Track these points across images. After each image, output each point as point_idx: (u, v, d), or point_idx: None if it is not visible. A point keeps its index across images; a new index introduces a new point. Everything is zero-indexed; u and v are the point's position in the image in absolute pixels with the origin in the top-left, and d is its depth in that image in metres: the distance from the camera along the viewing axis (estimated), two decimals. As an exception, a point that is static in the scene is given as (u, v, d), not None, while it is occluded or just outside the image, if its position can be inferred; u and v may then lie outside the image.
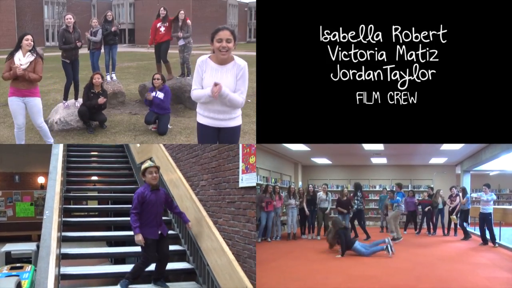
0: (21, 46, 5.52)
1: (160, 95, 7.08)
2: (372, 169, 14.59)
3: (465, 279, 5.52)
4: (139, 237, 4.70)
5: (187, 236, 5.71)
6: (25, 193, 13.89)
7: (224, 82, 3.50)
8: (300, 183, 13.33)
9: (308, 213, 10.09)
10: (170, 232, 6.05)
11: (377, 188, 14.24)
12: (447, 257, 7.33)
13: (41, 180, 13.95)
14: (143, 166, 4.99)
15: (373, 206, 14.23)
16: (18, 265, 7.18)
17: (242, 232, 4.38)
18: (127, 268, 5.01)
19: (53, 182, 6.06)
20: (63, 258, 5.08)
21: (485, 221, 8.59)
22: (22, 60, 5.48)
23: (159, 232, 4.88)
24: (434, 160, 13.04)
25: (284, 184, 11.80)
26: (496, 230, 8.93)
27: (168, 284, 4.99)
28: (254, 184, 4.24)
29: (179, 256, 5.79)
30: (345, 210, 9.79)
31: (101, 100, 6.96)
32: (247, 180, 4.36)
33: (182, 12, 8.38)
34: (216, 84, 3.45)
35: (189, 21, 8.55)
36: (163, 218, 5.24)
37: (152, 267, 4.94)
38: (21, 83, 5.52)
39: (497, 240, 8.68)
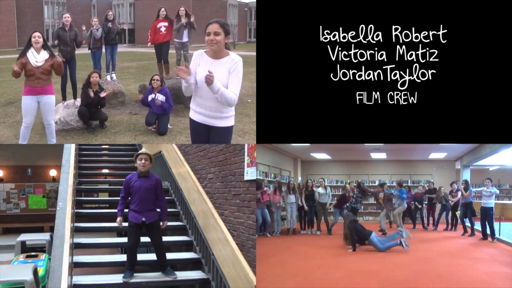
0: (31, 44, 5.46)
1: (160, 97, 7.06)
2: (371, 164, 14.59)
3: (465, 274, 5.54)
4: (117, 219, 4.96)
5: (194, 227, 5.84)
6: (38, 185, 14.10)
7: (216, 76, 3.50)
8: (299, 179, 13.35)
9: (307, 209, 10.12)
10: (177, 223, 6.30)
11: (377, 183, 14.22)
12: (446, 252, 7.36)
13: (53, 173, 14.12)
14: (136, 153, 5.10)
15: (373, 201, 14.22)
16: (33, 253, 7.40)
17: (246, 223, 4.50)
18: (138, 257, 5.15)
19: (65, 175, 6.26)
20: (75, 247, 5.22)
21: (486, 215, 8.62)
22: (37, 57, 5.43)
23: (143, 219, 4.90)
24: (433, 155, 13.05)
25: (284, 179, 11.82)
26: (495, 225, 8.95)
27: (176, 272, 5.10)
28: (255, 178, 4.31)
29: (187, 246, 5.95)
30: (339, 203, 9.90)
31: (103, 93, 6.93)
32: (251, 173, 4.45)
33: (182, 8, 8.35)
34: (210, 72, 3.43)
35: (193, 18, 8.53)
36: (171, 210, 5.46)
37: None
38: (36, 81, 5.45)
39: (497, 235, 8.71)
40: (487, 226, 8.67)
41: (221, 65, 3.58)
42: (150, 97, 7.10)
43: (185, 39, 8.51)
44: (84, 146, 8.83)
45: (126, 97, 8.75)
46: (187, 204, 6.19)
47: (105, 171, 9.53)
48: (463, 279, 5.27)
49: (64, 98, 7.65)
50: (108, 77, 8.73)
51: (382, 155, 13.43)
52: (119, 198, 6.39)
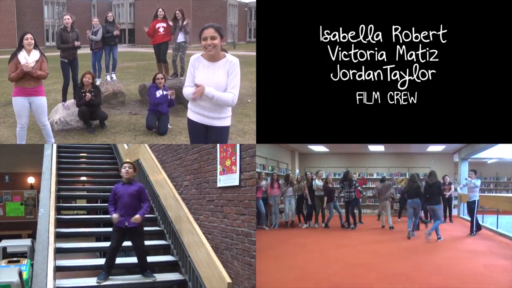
0: (23, 45, 5.43)
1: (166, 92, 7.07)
2: (369, 157, 14.62)
3: (462, 266, 5.61)
4: (114, 216, 5.13)
5: (171, 231, 6.09)
6: (15, 193, 14.09)
7: (215, 79, 3.56)
8: (297, 171, 13.38)
9: (310, 202, 10.15)
10: (155, 228, 6.59)
11: (375, 176, 14.28)
12: (444, 245, 7.42)
13: (30, 180, 14.12)
14: (122, 162, 5.43)
15: (370, 193, 14.26)
16: (14, 259, 7.44)
17: (219, 227, 4.75)
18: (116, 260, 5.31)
19: (47, 182, 6.35)
20: (56, 252, 5.32)
21: (470, 209, 8.56)
22: (28, 58, 5.39)
23: (126, 224, 5.14)
24: (432, 148, 13.10)
25: (281, 172, 11.84)
26: (493, 217, 9.01)
27: (154, 274, 5.36)
28: (235, 184, 4.41)
29: (164, 250, 6.18)
30: (329, 197, 9.90)
31: (87, 96, 6.88)
32: (224, 180, 4.65)
33: (178, 12, 8.30)
34: (197, 86, 3.52)
35: (187, 21, 8.49)
36: (148, 216, 5.84)
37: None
38: (26, 82, 5.41)
39: (494, 228, 8.76)
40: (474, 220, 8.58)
41: (219, 68, 3.63)
42: (158, 93, 7.07)
43: (180, 39, 8.45)
44: (63, 154, 8.95)
45: (126, 97, 8.75)
46: (164, 210, 6.43)
47: (83, 178, 9.65)
48: (461, 271, 5.33)
49: (65, 99, 7.63)
50: (108, 77, 8.71)
51: (380, 148, 13.46)
52: (98, 204, 7.15)
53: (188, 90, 3.68)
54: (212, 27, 3.56)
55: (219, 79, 3.59)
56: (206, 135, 3.80)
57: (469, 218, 10.04)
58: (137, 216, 5.11)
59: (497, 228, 8.87)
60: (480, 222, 9.98)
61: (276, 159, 12.08)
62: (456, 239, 8.23)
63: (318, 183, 10.11)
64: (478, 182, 8.54)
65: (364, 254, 6.53)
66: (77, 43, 7.30)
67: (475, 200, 8.45)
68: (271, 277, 4.97)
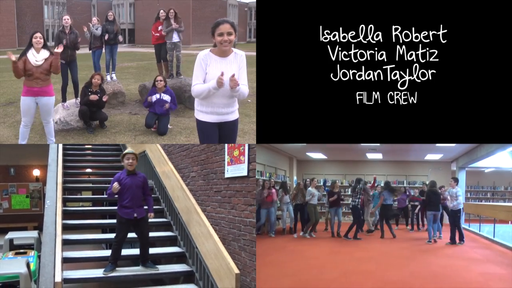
0: (32, 44, 5.48)
1: (166, 97, 7.07)
2: (367, 165, 14.63)
3: (459, 275, 5.60)
4: (115, 186, 5.02)
5: (178, 223, 6.08)
6: (21, 185, 14.22)
7: (231, 73, 3.56)
8: (295, 178, 13.35)
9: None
10: (162, 220, 6.59)
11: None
12: (441, 253, 7.41)
13: (36, 172, 14.19)
14: (123, 153, 5.31)
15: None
16: (21, 250, 7.50)
17: (227, 218, 4.76)
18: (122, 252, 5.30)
19: (53, 174, 6.36)
20: (63, 243, 5.28)
21: (454, 218, 8.49)
22: (37, 56, 5.44)
23: (135, 215, 5.08)
24: (429, 156, 13.11)
25: (279, 179, 11.81)
26: (490, 226, 8.99)
27: (160, 266, 5.33)
28: (244, 174, 4.42)
29: (171, 241, 6.16)
30: (335, 202, 9.77)
31: (92, 97, 6.91)
32: (232, 171, 4.67)
33: (171, 11, 8.36)
34: (222, 74, 3.51)
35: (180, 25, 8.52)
36: (155, 207, 5.81)
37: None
38: (34, 82, 5.46)
39: (491, 237, 8.74)
40: (456, 229, 8.49)
41: (230, 62, 3.66)
42: (155, 97, 7.10)
43: (175, 39, 8.49)
44: (69, 146, 8.89)
45: (126, 97, 8.78)
46: (171, 201, 6.43)
47: (89, 170, 9.65)
48: (458, 280, 5.33)
49: (64, 99, 7.66)
50: (108, 77, 8.74)
51: (378, 156, 13.47)
52: (103, 196, 6.77)
53: (200, 87, 3.63)
54: (227, 22, 3.57)
55: (234, 73, 3.60)
56: (219, 134, 3.80)
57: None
58: (151, 214, 5.27)
59: (494, 237, 8.86)
60: (477, 231, 10.00)
61: (274, 166, 12.06)
62: (453, 247, 8.21)
63: (312, 190, 9.97)
64: (459, 192, 8.48)
65: (361, 262, 6.51)
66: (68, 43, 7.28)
67: (460, 209, 8.41)
68: (268, 284, 4.94)
